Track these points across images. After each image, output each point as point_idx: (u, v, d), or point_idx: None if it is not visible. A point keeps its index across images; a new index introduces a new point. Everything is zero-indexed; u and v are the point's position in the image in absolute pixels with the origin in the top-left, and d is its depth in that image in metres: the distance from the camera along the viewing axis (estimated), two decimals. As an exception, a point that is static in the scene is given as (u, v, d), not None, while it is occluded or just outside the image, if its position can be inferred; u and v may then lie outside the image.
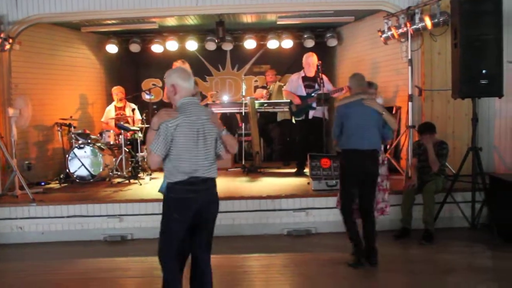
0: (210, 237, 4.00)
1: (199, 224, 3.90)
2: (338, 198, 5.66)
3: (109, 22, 9.17)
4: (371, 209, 5.39)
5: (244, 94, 9.25)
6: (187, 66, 7.44)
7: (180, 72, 3.94)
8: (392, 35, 7.71)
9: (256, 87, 10.98)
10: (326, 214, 6.66)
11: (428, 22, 7.06)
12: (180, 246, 3.88)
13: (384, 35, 7.94)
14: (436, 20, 7.02)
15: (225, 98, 10.76)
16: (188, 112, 3.74)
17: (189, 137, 3.70)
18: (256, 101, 9.02)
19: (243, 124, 9.54)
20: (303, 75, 8.55)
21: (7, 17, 7.75)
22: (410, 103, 7.42)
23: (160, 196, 3.94)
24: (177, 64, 7.66)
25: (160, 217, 3.86)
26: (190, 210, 3.78)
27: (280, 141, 10.40)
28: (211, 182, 3.88)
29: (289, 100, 8.60)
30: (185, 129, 3.68)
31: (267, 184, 7.89)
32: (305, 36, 10.37)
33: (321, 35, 10.44)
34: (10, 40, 7.61)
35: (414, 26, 7.24)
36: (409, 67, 7.37)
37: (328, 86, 8.30)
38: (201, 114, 3.80)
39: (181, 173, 3.72)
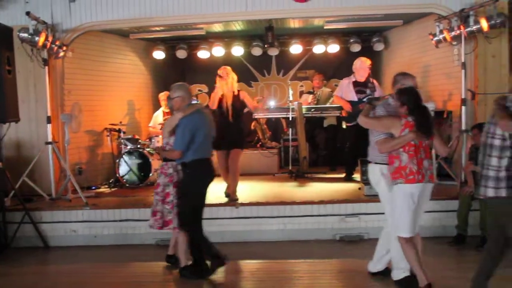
0: None
1: None
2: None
3: (157, 28, 9.28)
4: None
5: (291, 99, 9.21)
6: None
7: None
8: (444, 38, 7.54)
9: (301, 92, 10.93)
10: (378, 220, 6.53)
11: (484, 24, 6.86)
12: None
13: (436, 38, 7.76)
14: (493, 22, 6.82)
15: (271, 103, 10.76)
16: None
17: None
18: (303, 106, 8.98)
19: (289, 129, 9.47)
20: (353, 80, 8.33)
21: (61, 25, 7.90)
22: (463, 107, 7.26)
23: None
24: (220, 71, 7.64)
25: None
26: None
27: (326, 146, 10.31)
28: None
29: (338, 105, 8.51)
30: None
31: (316, 189, 7.83)
32: (351, 40, 10.28)
33: (367, 39, 10.32)
34: (64, 48, 7.78)
35: (469, 29, 7.06)
36: (462, 71, 7.20)
37: (379, 91, 8.16)
38: None
39: None
